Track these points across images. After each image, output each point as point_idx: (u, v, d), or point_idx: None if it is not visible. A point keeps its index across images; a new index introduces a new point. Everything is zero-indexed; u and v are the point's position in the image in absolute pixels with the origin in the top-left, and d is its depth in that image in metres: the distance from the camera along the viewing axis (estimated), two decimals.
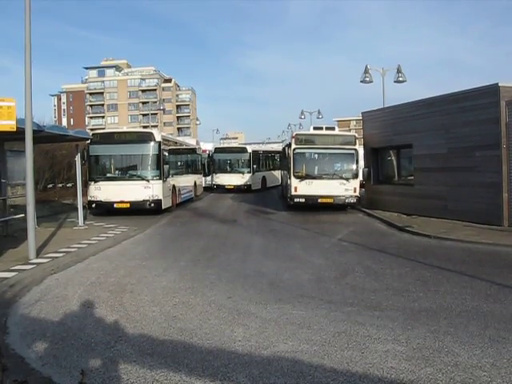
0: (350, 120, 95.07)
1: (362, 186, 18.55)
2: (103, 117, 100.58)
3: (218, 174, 28.85)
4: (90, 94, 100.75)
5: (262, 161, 31.41)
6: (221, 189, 28.44)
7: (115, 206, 16.62)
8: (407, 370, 4.18)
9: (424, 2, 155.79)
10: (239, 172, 28.65)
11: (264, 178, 30.52)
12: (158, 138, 17.14)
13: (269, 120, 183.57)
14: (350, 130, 67.75)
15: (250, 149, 29.80)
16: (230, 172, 28.97)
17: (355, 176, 17.69)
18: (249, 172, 28.57)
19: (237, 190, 27.78)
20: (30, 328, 5.46)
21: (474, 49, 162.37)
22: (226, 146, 35.66)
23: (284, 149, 23.09)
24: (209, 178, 29.79)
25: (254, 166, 29.16)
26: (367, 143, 19.07)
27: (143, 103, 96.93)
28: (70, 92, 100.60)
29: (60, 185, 25.00)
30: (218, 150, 30.29)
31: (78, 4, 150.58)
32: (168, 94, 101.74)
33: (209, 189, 29.17)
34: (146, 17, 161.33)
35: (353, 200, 17.56)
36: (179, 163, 21.66)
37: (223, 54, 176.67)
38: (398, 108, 17.12)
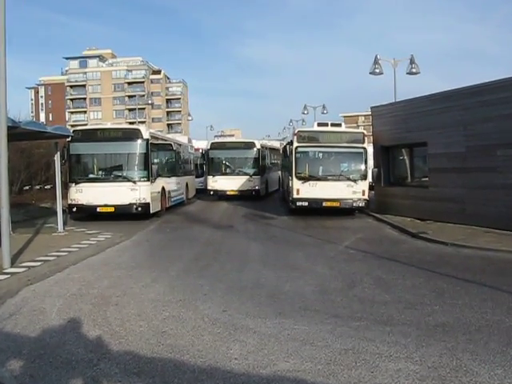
0: (357, 116, 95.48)
1: (371, 188, 18.58)
2: (85, 112, 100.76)
3: (216, 177, 25.23)
4: (71, 86, 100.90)
5: (271, 159, 29.51)
6: (219, 195, 25.34)
7: (98, 209, 16.60)
8: None
9: None
10: (244, 174, 25.42)
11: (278, 180, 29.07)
12: (145, 135, 17.14)
13: (268, 116, 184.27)
14: (357, 127, 67.98)
15: (258, 144, 26.42)
16: (231, 174, 25.67)
17: (364, 177, 17.72)
18: (257, 173, 25.47)
19: (241, 196, 24.93)
20: (3, 344, 5.44)
21: (494, 37, 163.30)
22: (226, 140, 30.84)
23: (285, 147, 23.02)
24: (198, 180, 28.22)
25: (264, 166, 26.72)
26: (377, 141, 19.10)
27: (129, 97, 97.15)
28: (48, 84, 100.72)
29: (37, 187, 25.00)
30: (215, 147, 26.53)
31: None
32: (157, 87, 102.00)
33: (200, 191, 27.64)
34: (133, 2, 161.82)
35: (361, 203, 17.59)
36: (169, 163, 21.66)
37: (218, 42, 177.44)
38: (411, 102, 17.16)
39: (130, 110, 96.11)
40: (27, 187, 23.99)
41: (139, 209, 16.66)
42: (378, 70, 23.34)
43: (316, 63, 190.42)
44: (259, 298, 7.28)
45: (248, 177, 25.19)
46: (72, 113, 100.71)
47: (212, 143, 27.36)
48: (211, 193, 25.26)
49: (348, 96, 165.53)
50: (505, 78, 13.20)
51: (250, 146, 26.16)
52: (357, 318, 6.24)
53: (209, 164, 26.28)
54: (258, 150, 25.84)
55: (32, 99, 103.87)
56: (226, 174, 25.72)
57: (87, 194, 16.61)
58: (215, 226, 16.03)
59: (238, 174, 25.55)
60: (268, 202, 24.81)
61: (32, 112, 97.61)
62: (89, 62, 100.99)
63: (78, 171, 17.33)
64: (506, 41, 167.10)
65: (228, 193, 25.06)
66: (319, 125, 19.19)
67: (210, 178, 25.62)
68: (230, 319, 6.24)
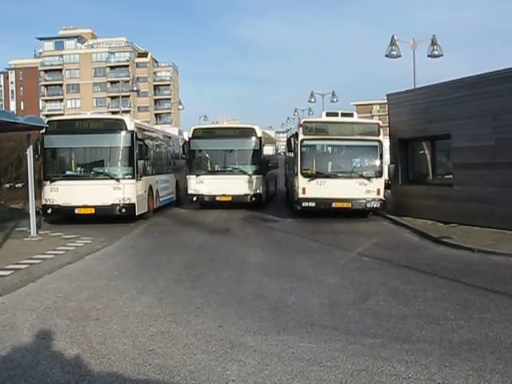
0: (372, 104, 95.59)
1: (387, 186, 18.60)
2: (62, 100, 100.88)
3: (202, 177, 21.17)
4: (45, 71, 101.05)
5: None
6: (205, 202, 21.49)
7: (77, 211, 16.63)
8: None
9: None
10: (241, 172, 21.45)
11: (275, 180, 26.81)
12: (130, 126, 17.18)
13: (270, 104, 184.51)
14: (372, 117, 68.02)
15: (259, 131, 22.26)
16: (223, 172, 21.53)
17: (379, 174, 17.75)
18: (258, 172, 21.56)
19: (237, 202, 21.06)
20: None
21: None
22: (215, 126, 24.97)
23: (289, 140, 22.36)
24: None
25: (267, 162, 23.70)
26: (394, 133, 19.13)
27: (112, 83, 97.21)
28: (19, 69, 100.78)
29: (7, 185, 24.99)
30: (199, 134, 22.02)
31: None
32: (143, 72, 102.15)
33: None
34: None
35: (376, 204, 17.61)
36: (158, 158, 21.70)
37: (213, 21, 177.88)
38: (433, 89, 17.17)
39: (112, 97, 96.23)
40: None
41: (123, 210, 16.69)
42: (395, 53, 23.33)
43: (324, 45, 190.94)
44: (260, 311, 7.29)
45: (246, 176, 21.20)
46: (46, 101, 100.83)
47: (195, 129, 22.42)
48: (194, 198, 21.35)
49: (361, 82, 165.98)
50: None
51: (249, 133, 21.90)
52: (371, 335, 6.24)
53: (191, 159, 21.99)
54: (260, 139, 21.80)
55: (1, 85, 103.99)
56: (214, 172, 21.61)
57: (64, 193, 16.62)
58: (210, 230, 16.05)
59: (231, 173, 21.45)
60: (269, 202, 24.76)
61: (1, 100, 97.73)
62: (66, 44, 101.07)
63: (53, 167, 17.37)
64: None
65: (218, 199, 20.97)
66: (328, 115, 19.17)
67: (191, 178, 21.42)
68: (226, 336, 6.25)
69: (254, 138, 21.68)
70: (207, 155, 22.17)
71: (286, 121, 67.75)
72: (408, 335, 6.25)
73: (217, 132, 22.61)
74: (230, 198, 20.82)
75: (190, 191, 21.39)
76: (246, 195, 20.99)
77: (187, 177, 21.72)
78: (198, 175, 21.22)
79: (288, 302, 7.82)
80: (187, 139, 22.49)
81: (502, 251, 11.42)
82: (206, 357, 5.57)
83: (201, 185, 21.04)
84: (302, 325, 6.67)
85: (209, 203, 21.29)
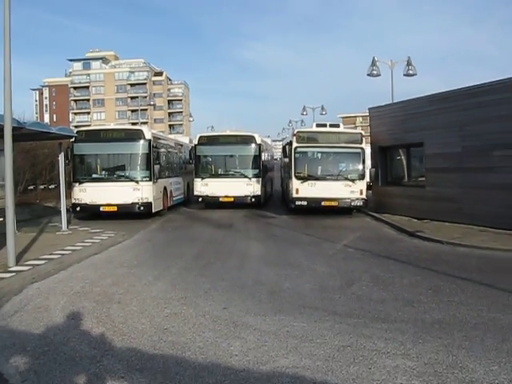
0: (355, 116, 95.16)
1: (369, 187, 18.55)
2: (89, 113, 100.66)
3: (206, 180, 20.49)
4: (75, 88, 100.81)
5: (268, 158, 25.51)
6: (209, 203, 20.77)
7: (101, 209, 16.63)
8: None
9: None
10: (242, 176, 20.70)
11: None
12: (147, 135, 17.17)
13: (268, 116, 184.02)
14: (355, 128, 67.84)
15: (258, 138, 21.45)
16: (225, 176, 20.85)
17: (362, 177, 17.72)
18: (257, 175, 20.80)
19: (238, 203, 20.34)
20: (8, 341, 5.44)
21: (492, 38, 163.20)
22: (219, 133, 23.30)
23: (284, 147, 22.43)
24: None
25: (266, 166, 22.99)
26: (375, 141, 19.10)
27: (132, 98, 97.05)
28: (52, 86, 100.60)
29: (42, 186, 24.97)
30: (204, 141, 21.24)
31: None
32: (159, 88, 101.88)
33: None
34: (135, 4, 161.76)
35: (359, 203, 17.58)
36: (171, 163, 21.65)
37: (219, 44, 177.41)
38: (409, 103, 17.15)
39: (132, 111, 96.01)
40: (32, 187, 23.95)
41: (141, 208, 16.69)
42: (375, 72, 23.27)
43: (315, 65, 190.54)
44: (259, 295, 7.28)
45: (246, 179, 20.49)
46: (76, 114, 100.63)
47: (201, 136, 21.56)
48: (199, 199, 20.69)
49: (346, 97, 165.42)
50: (500, 79, 13.20)
51: (249, 140, 21.18)
52: (355, 316, 6.24)
53: (196, 163, 21.14)
54: (259, 145, 21.05)
55: (36, 100, 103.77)
56: (218, 175, 20.90)
57: (90, 193, 16.63)
58: (216, 225, 16.02)
59: (233, 176, 20.73)
60: (267, 201, 24.68)
61: (36, 113, 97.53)
62: (92, 64, 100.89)
63: (81, 171, 17.36)
64: (503, 43, 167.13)
65: (221, 199, 20.27)
66: (318, 125, 19.19)
67: (197, 180, 20.70)
68: (230, 316, 6.24)
69: (253, 145, 20.96)
70: (211, 160, 21.40)
71: (282, 131, 67.51)
72: (387, 316, 6.23)
73: (220, 139, 21.52)
74: (232, 199, 20.19)
75: (195, 193, 20.79)
76: (246, 196, 20.26)
77: (194, 179, 20.84)
78: (203, 178, 20.50)
79: (283, 288, 7.81)
80: (193, 145, 21.51)
81: (468, 243, 11.42)
82: (212, 334, 5.57)
83: (206, 187, 20.34)
84: (296, 307, 6.66)
85: (213, 203, 20.63)
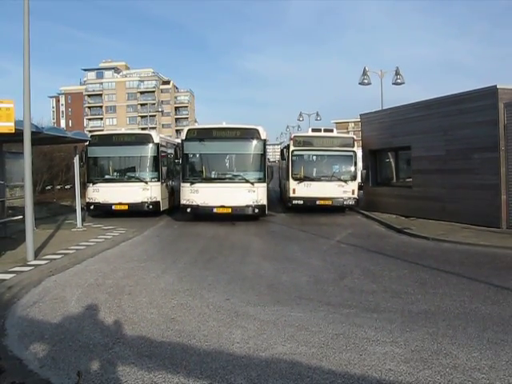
0: (348, 122, 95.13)
1: (360, 188, 18.56)
2: (102, 118, 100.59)
3: (197, 185, 15.08)
4: (89, 95, 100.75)
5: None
6: (200, 214, 15.42)
7: (113, 207, 16.60)
8: (405, 372, 4.18)
9: (422, 3, 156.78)
10: (242, 180, 15.19)
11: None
12: (156, 139, 17.14)
13: (267, 122, 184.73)
14: (348, 132, 67.83)
15: (262, 132, 15.45)
16: (221, 180, 15.44)
17: (353, 178, 17.70)
18: (262, 180, 15.28)
19: (237, 215, 15.36)
20: (28, 330, 5.45)
21: (472, 51, 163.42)
22: (212, 126, 16.20)
23: (282, 151, 22.55)
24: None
25: (272, 168, 17.74)
26: (365, 145, 19.09)
27: (142, 105, 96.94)
28: (68, 94, 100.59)
29: (58, 186, 24.99)
30: (193, 135, 15.58)
31: (77, 5, 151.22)
32: (166, 96, 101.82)
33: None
34: (144, 18, 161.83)
35: (351, 202, 17.57)
36: (177, 165, 21.60)
37: (222, 56, 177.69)
38: (397, 110, 17.15)
39: (142, 116, 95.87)
40: (49, 187, 23.99)
41: (150, 207, 16.68)
42: (366, 81, 23.31)
43: (311, 75, 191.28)
44: (259, 287, 7.28)
45: (248, 185, 15.06)
46: (90, 119, 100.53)
47: (189, 130, 16.03)
48: (188, 210, 15.21)
49: (339, 104, 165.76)
50: (479, 88, 13.24)
51: (252, 134, 15.36)
52: (347, 306, 6.24)
53: (184, 164, 15.66)
54: (264, 141, 15.38)
55: (53, 107, 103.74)
56: (211, 180, 15.46)
57: (103, 193, 16.61)
58: (219, 223, 15.93)
59: (231, 181, 15.30)
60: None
61: (53, 119, 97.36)
62: (105, 73, 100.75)
63: (95, 172, 17.33)
64: (484, 55, 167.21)
65: (215, 211, 15.06)
66: (313, 130, 19.17)
67: (185, 186, 15.26)
68: (232, 307, 6.24)
69: (257, 141, 15.27)
70: (203, 160, 15.60)
71: (280, 135, 67.62)
72: (376, 306, 6.23)
73: (214, 133, 15.58)
74: (229, 210, 15.04)
75: (182, 201, 15.22)
76: (247, 207, 15.02)
77: (181, 184, 15.47)
78: (192, 183, 15.11)
79: (281, 280, 7.81)
80: (180, 141, 15.92)
81: (451, 239, 11.42)
82: (216, 323, 5.57)
83: (195, 194, 14.99)
84: (293, 298, 6.66)
85: (204, 215, 15.42)
